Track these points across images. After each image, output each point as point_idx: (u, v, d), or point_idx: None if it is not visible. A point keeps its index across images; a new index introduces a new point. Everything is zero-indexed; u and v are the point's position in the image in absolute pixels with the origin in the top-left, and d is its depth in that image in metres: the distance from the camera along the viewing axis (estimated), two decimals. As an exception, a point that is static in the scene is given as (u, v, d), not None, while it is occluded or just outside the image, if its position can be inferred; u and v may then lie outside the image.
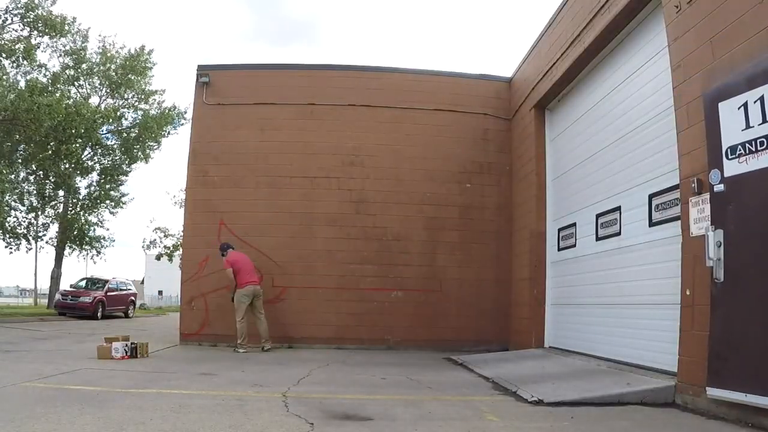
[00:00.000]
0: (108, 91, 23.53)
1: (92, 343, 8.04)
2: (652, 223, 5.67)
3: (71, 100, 19.90)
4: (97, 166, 23.58)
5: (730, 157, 3.90)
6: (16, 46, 17.96)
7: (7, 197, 19.69)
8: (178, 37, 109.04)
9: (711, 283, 4.01)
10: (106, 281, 21.01)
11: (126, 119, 23.71)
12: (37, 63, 20.13)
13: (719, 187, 3.99)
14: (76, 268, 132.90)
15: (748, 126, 3.79)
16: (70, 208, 23.19)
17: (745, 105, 3.81)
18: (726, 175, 3.93)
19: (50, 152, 19.15)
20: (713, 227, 4.02)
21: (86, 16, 68.00)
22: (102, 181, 23.64)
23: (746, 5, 4.08)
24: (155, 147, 24.37)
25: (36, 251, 25.70)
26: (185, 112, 23.91)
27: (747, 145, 3.78)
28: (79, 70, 22.49)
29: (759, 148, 3.69)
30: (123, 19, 78.56)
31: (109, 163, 23.78)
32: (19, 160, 20.40)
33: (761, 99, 3.70)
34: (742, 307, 3.79)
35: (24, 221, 22.73)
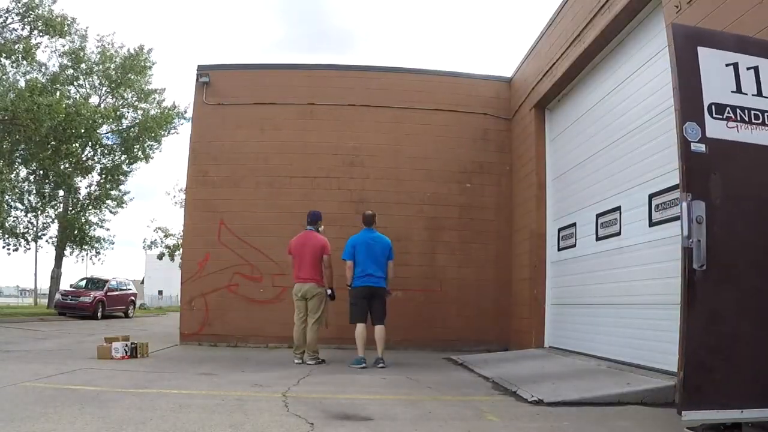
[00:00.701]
0: (107, 90, 23.56)
1: (92, 343, 8.04)
2: (652, 223, 5.66)
3: (71, 100, 19.91)
4: (98, 166, 23.63)
5: (714, 115, 3.25)
6: (16, 46, 17.97)
7: (7, 197, 19.70)
8: (202, 41, 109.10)
9: (687, 271, 3.10)
10: (106, 281, 21.03)
11: (126, 119, 23.75)
12: (37, 63, 20.16)
13: (698, 147, 3.18)
14: (76, 268, 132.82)
15: (739, 90, 3.30)
16: (70, 208, 23.20)
17: (736, 65, 3.32)
18: (708, 135, 3.20)
19: (50, 152, 19.15)
20: (689, 196, 3.10)
21: (90, 15, 67.88)
22: (102, 181, 23.67)
23: (746, 5, 4.08)
24: (155, 147, 24.42)
25: (36, 251, 25.74)
26: (185, 112, 23.96)
27: (739, 111, 3.25)
28: (78, 70, 22.52)
29: (753, 121, 3.26)
30: (136, 20, 78.52)
31: (110, 163, 23.81)
32: (19, 160, 20.42)
33: (755, 69, 3.33)
34: (734, 301, 3.13)
35: (23, 221, 22.76)
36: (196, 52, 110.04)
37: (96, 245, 24.20)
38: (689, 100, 3.28)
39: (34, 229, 23.27)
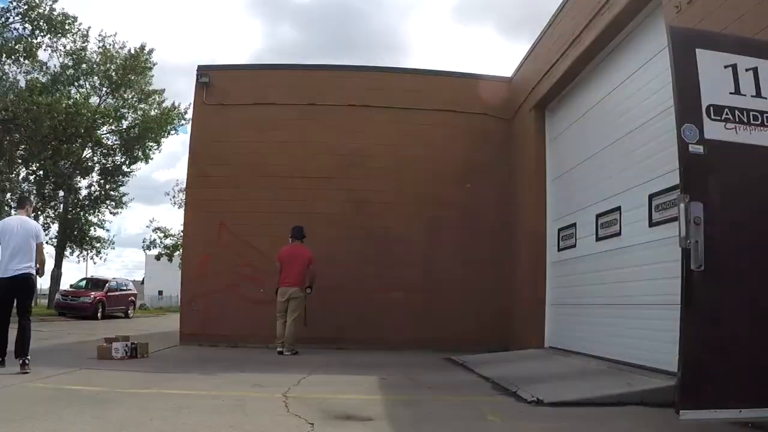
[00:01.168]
0: (108, 90, 23.55)
1: (92, 344, 8.04)
2: (652, 223, 5.66)
3: (71, 100, 19.92)
4: (97, 166, 23.64)
5: (713, 117, 3.28)
6: (17, 46, 17.99)
7: (7, 197, 19.72)
8: (204, 42, 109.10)
9: (686, 272, 3.15)
10: (106, 281, 21.05)
11: (126, 119, 23.75)
12: (38, 62, 20.17)
13: (696, 149, 3.23)
14: (77, 268, 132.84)
15: (738, 92, 3.33)
16: (70, 208, 23.21)
17: (735, 67, 3.35)
18: (707, 136, 3.24)
19: (50, 152, 19.16)
20: (687, 197, 3.14)
21: (91, 15, 67.74)
22: (102, 181, 23.68)
23: (746, 5, 4.08)
24: (155, 147, 24.42)
25: (36, 251, 25.69)
26: (185, 113, 23.97)
27: (737, 112, 3.28)
28: (79, 70, 22.52)
29: (752, 122, 3.28)
30: (138, 21, 78.30)
31: (110, 163, 23.81)
32: (19, 160, 20.43)
33: (754, 71, 3.35)
34: (733, 301, 3.18)
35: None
36: (198, 53, 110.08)
37: (96, 245, 24.22)
38: (687, 102, 3.33)
39: (34, 229, 23.23)
